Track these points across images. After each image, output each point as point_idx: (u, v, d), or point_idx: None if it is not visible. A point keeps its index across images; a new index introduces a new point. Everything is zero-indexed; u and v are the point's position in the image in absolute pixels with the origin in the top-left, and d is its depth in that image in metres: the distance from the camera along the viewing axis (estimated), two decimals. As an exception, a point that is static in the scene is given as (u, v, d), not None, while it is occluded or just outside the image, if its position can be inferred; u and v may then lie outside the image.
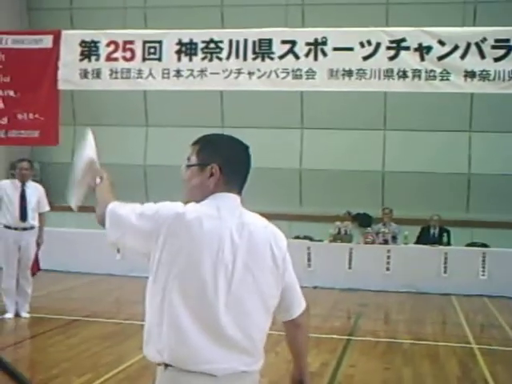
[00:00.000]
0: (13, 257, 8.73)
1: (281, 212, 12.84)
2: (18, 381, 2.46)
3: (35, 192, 8.93)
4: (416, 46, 7.84)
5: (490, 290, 11.66)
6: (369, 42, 7.92)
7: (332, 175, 14.24)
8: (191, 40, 8.25)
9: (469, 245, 12.88)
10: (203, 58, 8.20)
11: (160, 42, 8.33)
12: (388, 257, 12.22)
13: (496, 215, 13.56)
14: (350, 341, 8.33)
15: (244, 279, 2.51)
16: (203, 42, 8.22)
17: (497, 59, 7.69)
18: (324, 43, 7.99)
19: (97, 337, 7.96)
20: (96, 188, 2.88)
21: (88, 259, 12.20)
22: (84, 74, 8.50)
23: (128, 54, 8.36)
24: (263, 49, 8.10)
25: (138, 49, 8.34)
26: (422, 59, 7.83)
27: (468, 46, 7.74)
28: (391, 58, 7.88)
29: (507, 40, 7.73)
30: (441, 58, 7.80)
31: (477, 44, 7.72)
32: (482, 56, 7.70)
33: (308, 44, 8.02)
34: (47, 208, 9.11)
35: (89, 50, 8.47)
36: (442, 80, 7.83)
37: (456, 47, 7.77)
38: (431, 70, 7.81)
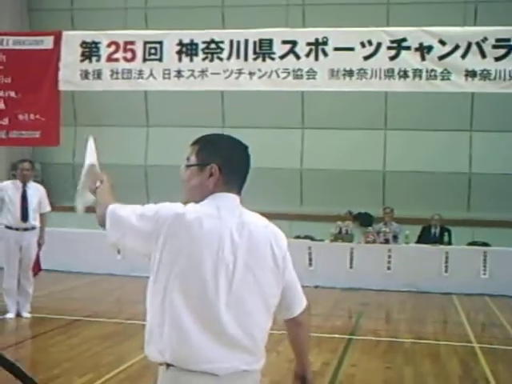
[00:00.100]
0: (14, 257, 8.74)
1: (282, 212, 12.86)
2: (24, 381, 2.48)
3: (36, 192, 8.95)
4: (417, 45, 7.84)
5: (491, 289, 11.65)
6: (369, 42, 7.92)
7: (333, 175, 14.25)
8: (192, 40, 8.25)
9: (470, 244, 12.89)
10: (204, 59, 8.21)
11: (161, 43, 8.33)
12: (389, 256, 12.22)
13: (497, 214, 13.57)
14: (351, 340, 8.33)
15: (245, 279, 2.52)
16: (204, 42, 8.22)
17: (497, 59, 7.69)
18: (325, 43, 7.99)
19: (98, 337, 7.97)
20: (96, 191, 2.90)
21: (89, 259, 12.21)
22: (85, 74, 8.51)
23: (129, 55, 8.37)
24: (264, 49, 8.10)
25: (139, 49, 8.34)
26: (423, 59, 7.83)
27: (469, 45, 7.73)
28: (392, 58, 7.88)
29: (508, 39, 7.73)
30: (442, 57, 7.80)
31: (477, 43, 7.71)
32: (483, 55, 7.70)
33: (309, 44, 8.02)
34: (48, 208, 9.12)
35: (89, 50, 8.48)
36: (442, 80, 7.83)
37: (457, 47, 7.77)
38: (432, 70, 7.81)
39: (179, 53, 8.27)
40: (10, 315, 8.72)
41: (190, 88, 8.48)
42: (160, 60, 8.31)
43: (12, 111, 8.67)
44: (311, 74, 8.03)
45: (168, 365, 2.49)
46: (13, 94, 8.65)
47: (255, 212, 2.67)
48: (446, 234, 12.68)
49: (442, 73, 7.80)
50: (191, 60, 8.24)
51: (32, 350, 7.76)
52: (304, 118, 14.55)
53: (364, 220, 13.47)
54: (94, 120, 14.77)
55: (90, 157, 3.13)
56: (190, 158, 2.65)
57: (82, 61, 8.49)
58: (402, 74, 7.87)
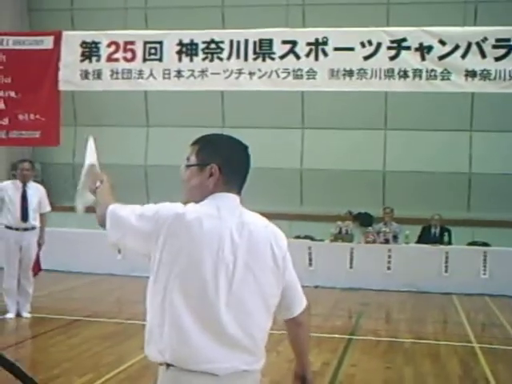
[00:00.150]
0: (14, 257, 8.74)
1: (282, 212, 12.86)
2: (24, 381, 2.48)
3: (36, 192, 8.95)
4: (417, 45, 7.84)
5: (491, 289, 11.65)
6: (369, 42, 7.91)
7: (333, 175, 14.25)
8: (192, 40, 8.25)
9: (470, 244, 12.89)
10: (204, 59, 8.21)
11: (161, 43, 8.33)
12: (389, 256, 12.22)
13: (497, 214, 13.57)
14: (351, 340, 8.33)
15: (245, 279, 2.52)
16: (204, 42, 8.22)
17: (497, 59, 7.69)
18: (325, 43, 7.99)
19: (98, 337, 7.97)
20: (96, 191, 2.91)
21: (89, 259, 12.21)
22: (85, 74, 8.51)
23: (129, 55, 8.37)
24: (264, 49, 8.10)
25: (139, 49, 8.34)
26: (423, 59, 7.82)
27: (469, 45, 7.73)
28: (392, 58, 7.88)
29: (508, 39, 7.73)
30: (442, 57, 7.80)
31: (477, 43, 7.71)
32: (483, 55, 7.70)
33: (309, 44, 8.02)
34: (48, 208, 9.12)
35: (89, 50, 8.48)
36: (442, 80, 7.83)
37: (457, 47, 7.77)
38: (432, 70, 7.81)
39: (179, 53, 8.27)
40: (10, 315, 8.72)
41: (190, 88, 8.48)
42: (160, 60, 8.31)
43: (12, 111, 8.67)
44: (311, 73, 8.03)
45: (168, 365, 2.49)
46: (13, 93, 8.65)
47: (255, 212, 2.67)
48: (446, 233, 12.67)
49: (442, 73, 7.80)
50: (191, 60, 8.24)
51: (32, 350, 7.76)
52: (304, 118, 14.55)
53: (364, 220, 13.47)
54: (94, 120, 14.77)
55: (90, 157, 3.13)
56: (190, 158, 2.65)
57: (82, 61, 8.49)
58: (402, 73, 7.87)
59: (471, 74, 7.73)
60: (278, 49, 8.06)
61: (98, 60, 8.43)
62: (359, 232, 12.99)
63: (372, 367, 7.12)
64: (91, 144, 3.22)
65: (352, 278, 12.07)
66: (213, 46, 8.21)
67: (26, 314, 8.83)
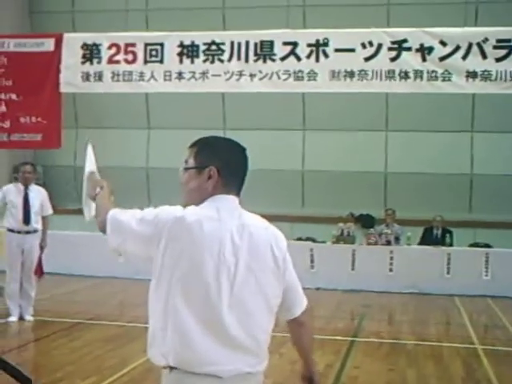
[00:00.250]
0: (16, 260, 8.73)
1: (283, 213, 12.85)
2: (19, 380, 2.48)
3: (38, 195, 8.95)
4: (417, 46, 7.83)
5: (494, 291, 11.64)
6: (370, 43, 7.91)
7: (334, 176, 14.24)
8: (193, 42, 8.25)
9: (472, 245, 12.87)
10: (205, 60, 8.20)
11: (162, 45, 8.33)
12: (391, 258, 12.21)
13: (499, 215, 13.55)
14: (354, 342, 8.32)
15: (246, 280, 2.52)
16: (205, 44, 8.21)
17: (498, 59, 7.68)
18: (325, 44, 7.98)
19: (100, 340, 7.96)
20: (96, 197, 2.91)
21: (91, 262, 12.19)
22: (86, 76, 8.51)
23: (130, 57, 8.36)
24: (265, 50, 8.10)
25: (140, 51, 8.34)
26: (424, 60, 7.82)
27: (470, 46, 7.73)
28: (393, 59, 7.88)
29: (509, 40, 7.72)
30: (442, 58, 7.79)
31: (478, 44, 7.71)
32: (484, 56, 7.69)
33: (309, 45, 8.02)
34: (50, 211, 9.11)
35: (90, 52, 8.48)
36: (443, 80, 7.82)
37: (458, 48, 7.76)
38: (433, 71, 7.80)
39: (180, 54, 8.27)
40: (13, 318, 8.72)
41: (191, 90, 8.48)
42: (161, 62, 8.31)
43: (13, 114, 8.66)
44: (312, 75, 8.02)
45: (171, 368, 2.49)
46: (14, 96, 8.64)
47: (257, 214, 2.68)
48: (448, 235, 12.67)
49: (442, 74, 7.79)
50: (192, 62, 8.24)
51: (35, 353, 7.75)
52: (305, 119, 14.54)
53: (366, 222, 13.47)
54: (96, 122, 14.79)
55: (89, 164, 3.16)
56: (189, 160, 2.66)
57: (83, 63, 8.49)
58: (402, 75, 7.86)
59: (472, 74, 7.73)
60: (279, 50, 8.06)
61: (99, 62, 8.43)
62: (361, 234, 12.98)
63: (375, 369, 7.11)
64: (90, 151, 3.24)
65: (354, 280, 12.05)
66: (214, 47, 8.21)
67: (28, 318, 8.83)
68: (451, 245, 12.53)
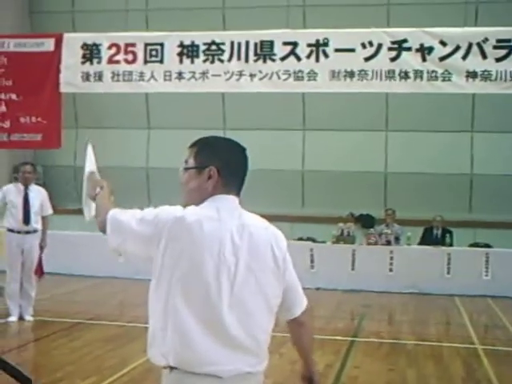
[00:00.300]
0: (16, 260, 8.73)
1: (283, 213, 12.85)
2: (19, 380, 2.48)
3: (38, 195, 8.94)
4: (417, 46, 7.83)
5: (494, 291, 11.64)
6: (370, 43, 7.91)
7: (334, 176, 14.24)
8: (193, 42, 8.25)
9: (472, 245, 12.87)
10: (205, 60, 8.21)
11: (162, 45, 8.33)
12: (391, 258, 12.21)
13: (499, 215, 13.55)
14: (354, 342, 8.32)
15: (246, 280, 2.52)
16: (205, 44, 8.21)
17: (498, 59, 7.68)
18: (325, 44, 7.98)
19: (100, 340, 7.96)
20: (96, 197, 2.92)
21: (91, 262, 12.19)
22: (86, 76, 8.51)
23: (130, 57, 8.36)
24: (265, 50, 8.10)
25: (140, 51, 8.34)
26: (424, 60, 7.82)
27: (470, 46, 7.73)
28: (393, 59, 7.88)
29: (509, 40, 7.72)
30: (442, 58, 7.79)
31: (478, 44, 7.71)
32: (484, 56, 7.69)
33: (309, 45, 8.02)
34: (50, 211, 9.11)
35: (90, 52, 8.48)
36: (443, 80, 7.82)
37: (457, 48, 7.76)
38: (433, 71, 7.80)
39: (180, 54, 8.27)
40: (13, 318, 8.72)
41: (191, 90, 8.48)
42: (161, 62, 8.31)
43: (13, 114, 8.66)
44: (312, 75, 8.02)
45: (171, 368, 2.49)
46: (14, 96, 8.64)
47: (257, 214, 2.68)
48: (448, 235, 12.66)
49: (442, 74, 7.79)
50: (192, 62, 8.24)
51: (35, 353, 7.75)
52: (305, 119, 14.54)
53: (366, 222, 13.47)
54: (96, 122, 14.79)
55: (89, 164, 3.17)
56: (188, 160, 2.66)
57: (83, 63, 8.49)
58: (402, 75, 7.86)
59: (472, 74, 7.73)
60: (279, 50, 8.06)
61: (98, 62, 8.43)
62: (361, 234, 12.98)
63: (375, 369, 7.11)
64: (90, 151, 3.24)
65: (354, 280, 12.05)
66: (214, 47, 8.21)
67: (28, 318, 8.83)
68: (451, 245, 12.53)
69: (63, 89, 8.63)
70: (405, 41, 7.87)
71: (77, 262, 12.39)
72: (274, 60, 8.07)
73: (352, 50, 7.93)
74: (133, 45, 8.39)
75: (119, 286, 11.82)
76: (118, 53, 8.39)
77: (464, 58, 7.74)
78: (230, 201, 2.61)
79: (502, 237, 12.88)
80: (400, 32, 8.04)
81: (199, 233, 2.47)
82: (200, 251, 2.47)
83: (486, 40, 7.69)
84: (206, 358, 2.46)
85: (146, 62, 8.34)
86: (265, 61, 8.10)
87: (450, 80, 7.80)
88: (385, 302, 11.28)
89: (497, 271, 11.84)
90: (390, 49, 7.89)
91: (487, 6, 13.26)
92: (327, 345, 7.86)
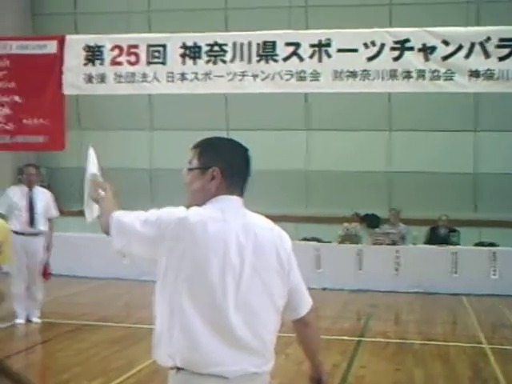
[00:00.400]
0: (21, 262, 8.71)
1: (287, 214, 12.82)
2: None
3: (43, 197, 8.95)
4: (420, 46, 7.82)
5: (501, 290, 11.58)
6: (373, 43, 7.90)
7: (338, 176, 14.22)
8: (195, 43, 8.25)
9: (477, 244, 12.82)
10: (207, 61, 8.21)
11: (164, 46, 8.33)
12: (397, 257, 12.19)
13: (504, 214, 13.51)
14: (361, 342, 8.31)
15: (252, 281, 2.52)
16: (207, 45, 8.21)
17: (501, 58, 7.67)
18: (328, 45, 7.98)
19: (106, 341, 7.96)
20: (99, 200, 2.92)
21: (95, 264, 12.18)
22: (88, 78, 8.51)
23: (132, 58, 8.37)
24: (267, 51, 8.10)
25: (143, 53, 8.35)
26: (427, 59, 7.80)
27: (472, 45, 7.71)
28: (395, 59, 7.87)
29: (511, 39, 7.71)
30: (445, 57, 7.78)
31: (481, 43, 7.69)
32: (487, 55, 7.68)
33: (312, 46, 8.01)
34: (56, 214, 9.09)
35: (93, 54, 8.48)
36: (446, 80, 7.81)
37: (460, 47, 7.75)
38: (435, 70, 7.79)
39: (183, 56, 8.27)
40: (20, 321, 8.71)
41: (194, 91, 8.48)
42: (164, 63, 8.30)
43: (17, 116, 8.67)
44: (315, 75, 8.02)
45: (178, 369, 2.49)
46: (17, 98, 8.65)
47: (260, 214, 2.68)
48: (454, 234, 12.63)
49: (445, 73, 7.78)
50: (195, 63, 8.24)
51: (41, 355, 7.76)
52: (308, 119, 14.53)
53: (371, 221, 13.44)
54: (99, 124, 14.79)
55: (92, 167, 3.17)
56: (192, 161, 2.66)
57: (85, 64, 8.50)
58: (405, 74, 7.85)
59: (475, 74, 7.71)
60: (282, 51, 8.06)
61: (101, 64, 8.43)
62: (366, 233, 12.96)
63: (381, 369, 7.10)
64: (92, 154, 3.25)
65: (360, 280, 12.03)
66: (216, 48, 8.20)
67: (35, 320, 8.83)
68: (457, 244, 12.50)
69: (66, 91, 8.63)
70: (407, 40, 7.86)
71: (81, 263, 12.38)
72: (276, 60, 8.07)
73: (354, 50, 7.93)
74: (135, 46, 8.39)
75: (124, 287, 11.81)
76: (120, 54, 8.39)
77: (466, 57, 7.73)
78: (233, 201, 2.61)
79: (507, 235, 12.84)
80: (402, 32, 8.03)
81: (202, 233, 2.47)
82: (203, 252, 2.47)
83: (488, 39, 7.68)
84: (213, 358, 2.46)
85: (148, 63, 8.34)
86: (267, 61, 8.10)
87: (452, 79, 7.79)
88: (391, 302, 11.25)
89: (504, 270, 11.79)
90: (392, 49, 7.88)
91: (489, 6, 13.25)
92: (334, 345, 7.85)
